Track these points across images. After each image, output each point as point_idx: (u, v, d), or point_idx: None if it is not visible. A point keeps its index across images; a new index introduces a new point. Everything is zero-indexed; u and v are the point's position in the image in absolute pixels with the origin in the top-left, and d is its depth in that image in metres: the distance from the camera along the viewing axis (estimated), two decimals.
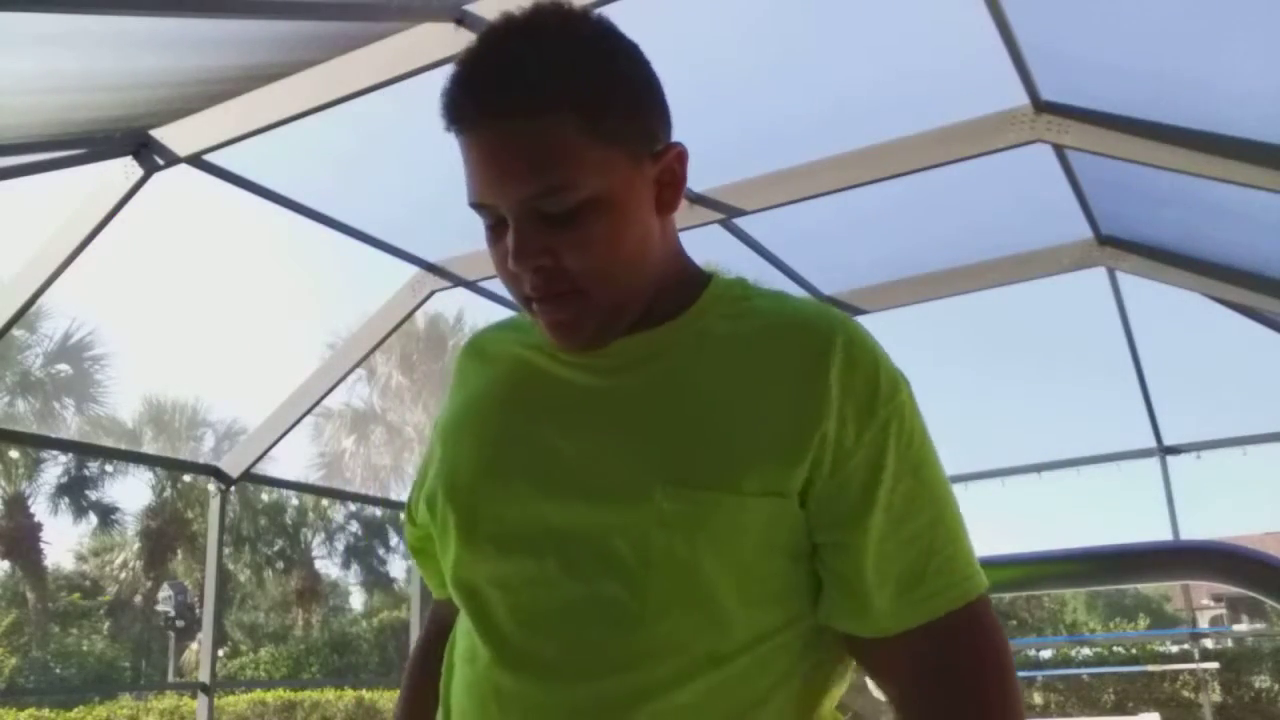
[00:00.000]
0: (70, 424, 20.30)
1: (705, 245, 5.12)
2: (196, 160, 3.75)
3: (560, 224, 0.87)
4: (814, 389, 0.88)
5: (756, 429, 0.87)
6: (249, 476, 5.54)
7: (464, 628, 0.97)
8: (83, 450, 21.31)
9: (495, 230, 0.91)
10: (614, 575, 0.87)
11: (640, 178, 0.91)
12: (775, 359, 0.90)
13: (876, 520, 0.89)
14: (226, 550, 15.04)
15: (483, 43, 0.91)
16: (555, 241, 0.88)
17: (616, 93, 0.90)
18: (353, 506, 24.14)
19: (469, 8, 3.17)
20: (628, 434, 0.90)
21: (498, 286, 4.63)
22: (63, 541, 35.49)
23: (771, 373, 0.90)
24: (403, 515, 1.16)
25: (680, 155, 0.95)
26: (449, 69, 0.93)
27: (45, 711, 12.16)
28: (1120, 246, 5.25)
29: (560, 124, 0.86)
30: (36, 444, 19.63)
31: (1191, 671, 11.38)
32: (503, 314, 1.20)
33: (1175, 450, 7.39)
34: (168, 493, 21.30)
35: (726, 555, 0.86)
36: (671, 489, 0.86)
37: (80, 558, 23.20)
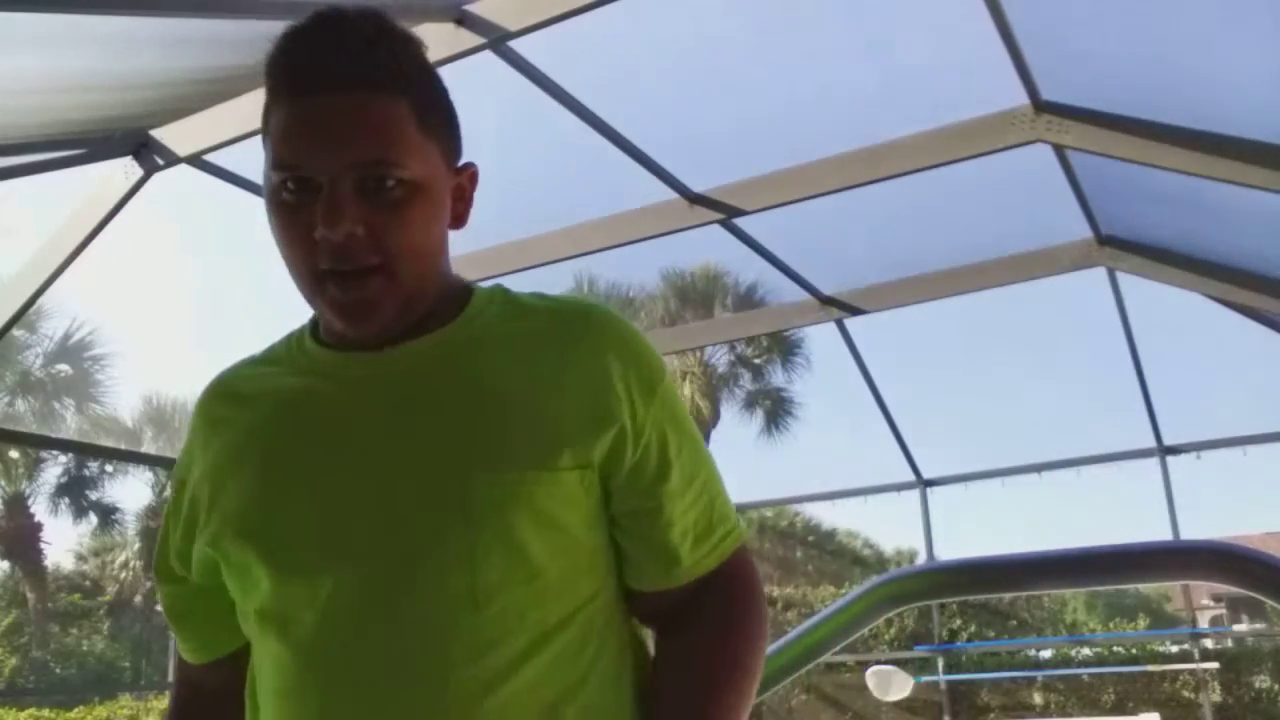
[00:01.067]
0: (70, 424, 20.30)
1: (705, 245, 5.12)
2: (196, 160, 3.75)
3: (378, 200, 0.89)
4: (600, 370, 0.94)
5: (557, 409, 0.92)
6: None
7: (270, 664, 0.93)
8: (83, 450, 21.30)
9: (298, 198, 0.89)
10: (447, 569, 0.88)
11: (447, 182, 0.96)
12: (558, 345, 0.96)
13: (674, 484, 0.98)
14: None
15: (324, 19, 0.91)
16: (371, 215, 0.89)
17: (439, 98, 0.97)
18: None
19: (469, 8, 3.17)
20: (436, 431, 0.91)
21: None
22: (63, 541, 35.48)
23: (558, 358, 0.95)
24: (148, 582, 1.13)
25: (473, 175, 1.01)
26: (282, 41, 0.92)
27: (45, 711, 12.16)
28: (1120, 246, 5.25)
29: (396, 106, 0.90)
30: (36, 444, 19.62)
31: (1191, 671, 11.37)
32: None
33: (1175, 450, 7.39)
34: (168, 493, 21.28)
35: (547, 530, 0.90)
36: (490, 475, 0.89)
37: (80, 558, 23.18)
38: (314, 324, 1.04)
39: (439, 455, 0.90)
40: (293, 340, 1.05)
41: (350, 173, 0.88)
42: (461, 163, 1.00)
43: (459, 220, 1.00)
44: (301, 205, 0.89)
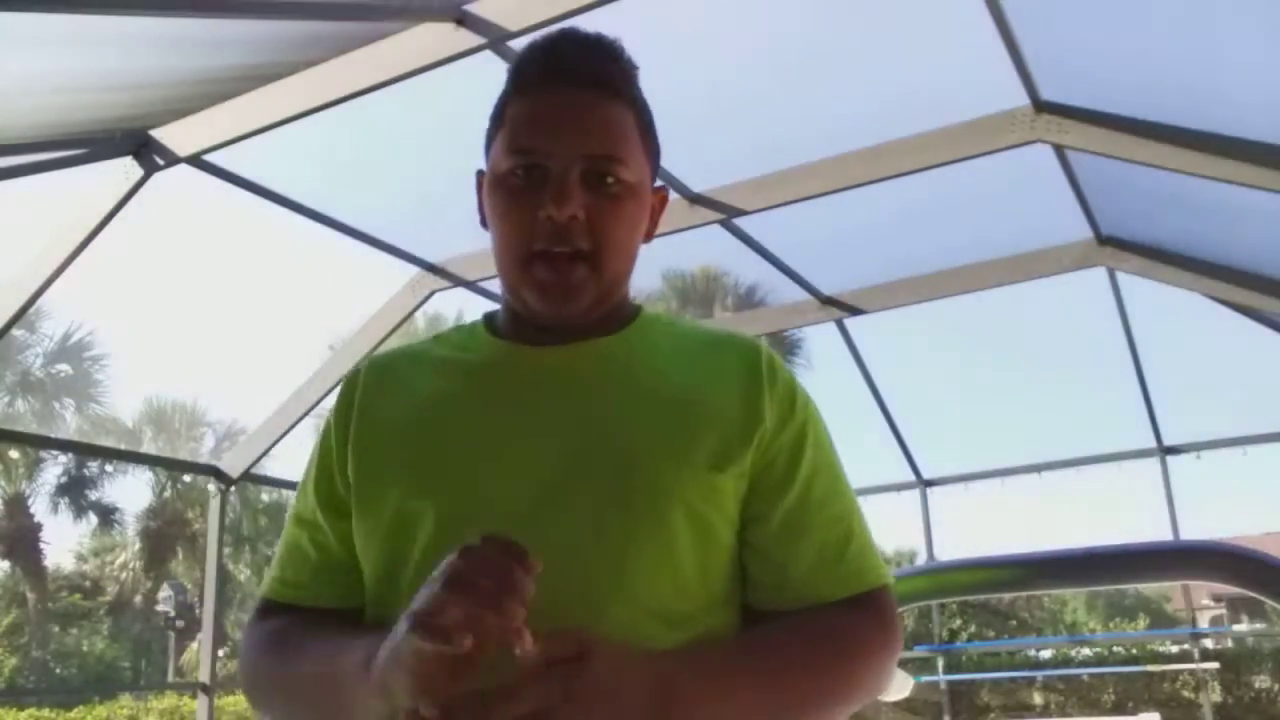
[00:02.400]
0: (70, 424, 20.30)
1: (705, 245, 5.12)
2: (196, 160, 3.75)
3: (600, 193, 0.97)
4: (753, 389, 1.00)
5: (717, 415, 0.97)
6: (249, 477, 5.54)
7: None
8: (83, 450, 21.29)
9: (526, 182, 0.97)
10: (601, 555, 0.91)
11: (649, 195, 1.06)
12: (724, 360, 1.02)
13: (795, 498, 0.98)
14: (226, 550, 15.04)
15: (572, 32, 1.04)
16: (592, 204, 0.97)
17: (652, 123, 1.08)
18: None
19: (469, 8, 3.17)
20: (605, 422, 0.96)
21: (498, 287, 4.62)
22: (63, 541, 35.52)
23: (724, 371, 1.01)
24: (295, 504, 1.10)
25: (665, 199, 1.11)
26: (534, 45, 1.03)
27: (45, 711, 12.16)
28: (1120, 246, 5.25)
29: (628, 113, 1.01)
30: (36, 444, 19.61)
31: (1191, 671, 11.37)
32: None
33: (1175, 450, 7.39)
34: (168, 493, 21.30)
35: (698, 529, 0.94)
36: (652, 469, 0.93)
37: (80, 558, 23.19)
38: (488, 319, 1.10)
39: (607, 446, 0.95)
40: (464, 330, 1.10)
41: (581, 163, 0.96)
42: (655, 186, 1.09)
43: (649, 236, 1.08)
44: (528, 189, 0.97)
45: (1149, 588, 24.15)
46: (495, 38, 3.17)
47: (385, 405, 1.03)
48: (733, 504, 0.97)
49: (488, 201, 1.02)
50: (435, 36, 3.23)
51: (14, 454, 19.40)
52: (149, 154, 3.70)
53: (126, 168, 3.72)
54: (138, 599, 21.58)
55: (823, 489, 1.01)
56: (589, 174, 0.97)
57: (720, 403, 0.98)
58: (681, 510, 0.93)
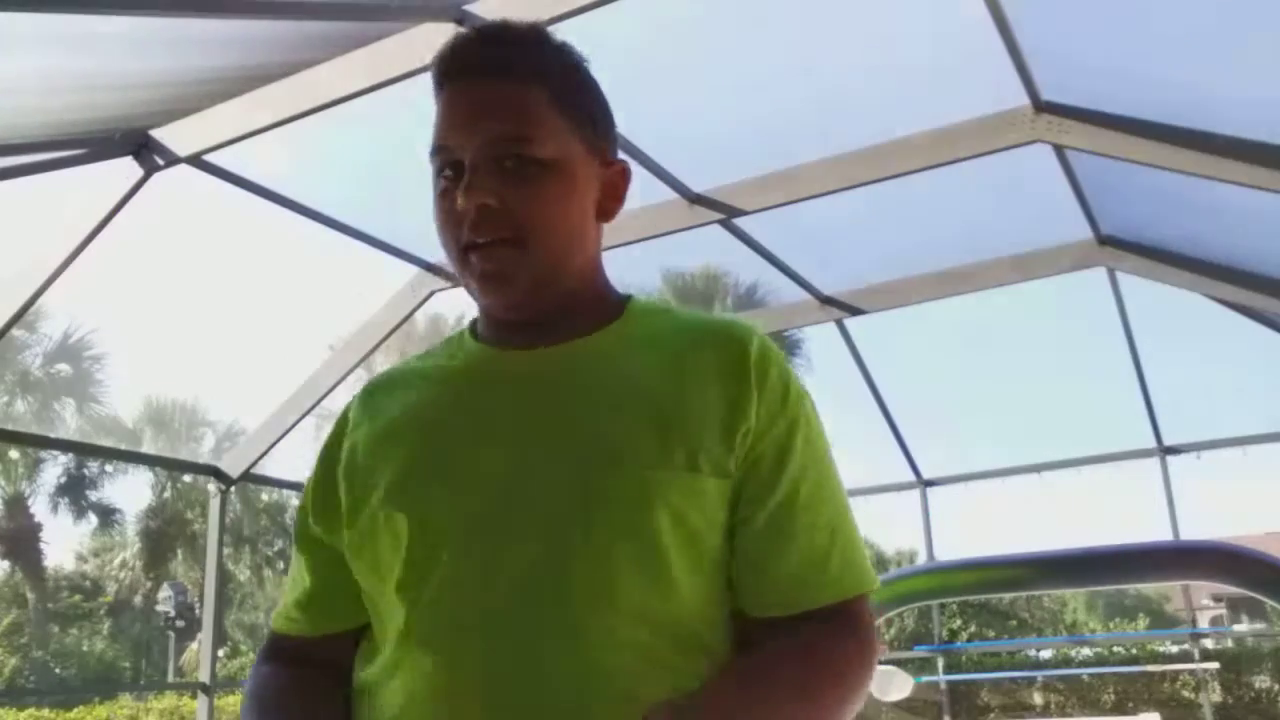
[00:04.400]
0: (70, 424, 20.30)
1: (705, 245, 5.12)
2: (196, 160, 3.75)
3: (516, 177, 0.96)
4: (740, 384, 0.97)
5: (699, 413, 0.95)
6: (249, 477, 5.54)
7: (395, 636, 0.94)
8: (83, 450, 21.30)
9: (449, 180, 0.98)
10: (581, 561, 0.90)
11: (590, 169, 1.02)
12: (706, 358, 0.99)
13: (779, 498, 0.96)
14: (226, 550, 15.03)
15: (482, 27, 1.04)
16: (507, 189, 0.96)
17: (579, 87, 1.04)
18: None
19: (469, 8, 3.17)
20: (576, 427, 0.95)
21: None
22: (63, 541, 35.50)
23: (706, 369, 0.98)
24: (295, 529, 1.11)
25: (624, 172, 1.06)
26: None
27: (45, 711, 12.16)
28: (1120, 246, 5.25)
29: (533, 91, 0.98)
30: (36, 444, 19.61)
31: (1191, 671, 11.38)
32: None
33: (1175, 450, 7.39)
34: (168, 493, 21.30)
35: (680, 531, 0.92)
36: (626, 471, 0.91)
37: (80, 558, 23.20)
38: (473, 325, 1.09)
39: (579, 450, 0.93)
40: (452, 339, 1.10)
41: (487, 149, 0.96)
42: (612, 158, 1.06)
43: (607, 214, 1.05)
44: (452, 188, 0.98)
45: (1149, 588, 24.15)
46: None
47: (372, 424, 1.04)
48: (718, 507, 0.94)
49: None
50: (435, 36, 3.23)
51: (14, 454, 19.40)
52: (149, 154, 3.70)
53: (126, 168, 3.72)
54: (138, 599, 21.59)
55: (811, 490, 0.98)
56: (500, 160, 0.96)
57: (700, 401, 0.95)
58: (664, 511, 0.91)
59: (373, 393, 1.09)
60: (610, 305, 1.06)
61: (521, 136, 0.96)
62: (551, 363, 0.99)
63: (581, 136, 1.01)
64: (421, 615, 0.92)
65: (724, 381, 0.97)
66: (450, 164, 0.98)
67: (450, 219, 0.98)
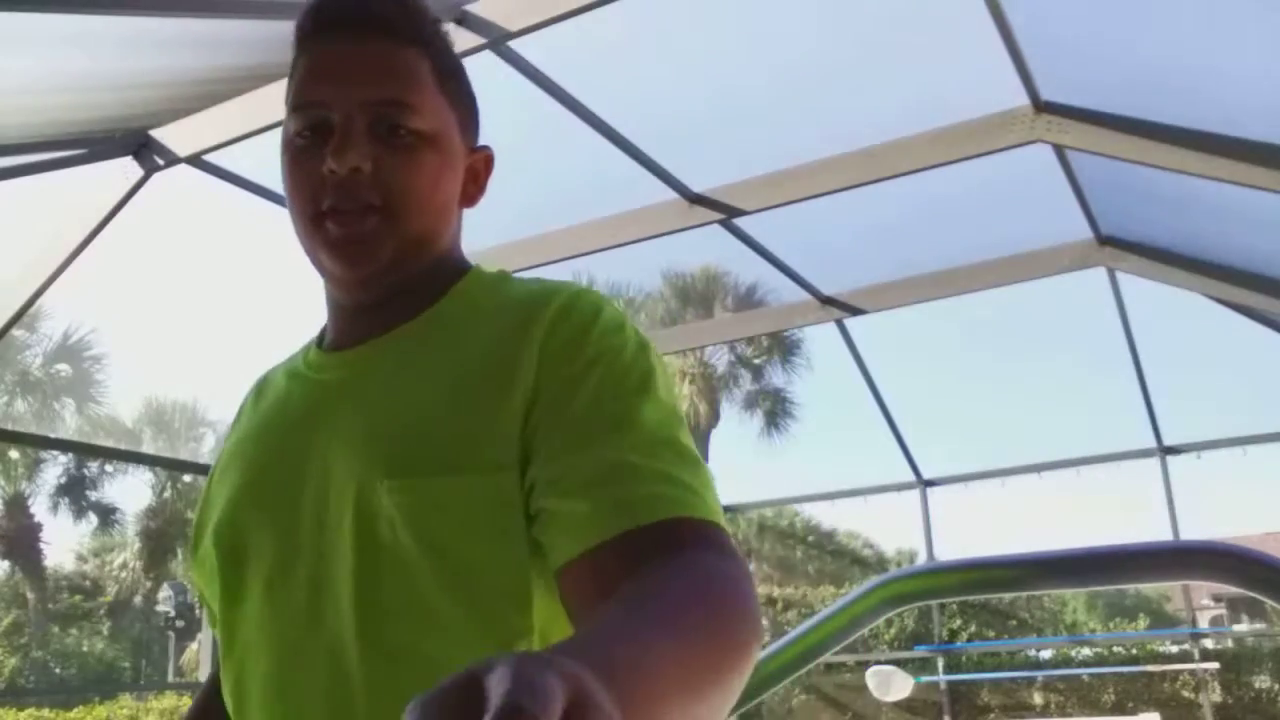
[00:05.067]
0: (70, 424, 20.30)
1: (705, 245, 5.13)
2: (196, 160, 3.75)
3: (389, 142, 0.89)
4: (519, 349, 0.83)
5: (475, 403, 0.81)
6: None
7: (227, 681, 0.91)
8: (83, 450, 21.31)
9: (311, 141, 0.90)
10: (341, 596, 0.81)
11: (460, 149, 0.96)
12: (498, 332, 0.86)
13: (567, 426, 0.78)
14: None
15: None
16: (380, 155, 0.88)
17: (458, 72, 0.98)
18: None
19: (469, 8, 3.17)
20: (354, 436, 0.85)
21: None
22: (63, 542, 35.48)
23: (491, 345, 0.85)
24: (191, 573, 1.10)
25: (489, 159, 1.01)
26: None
27: (45, 711, 12.16)
28: (1120, 246, 5.25)
29: (417, 58, 0.92)
30: (36, 444, 19.61)
31: (1191, 671, 11.37)
32: None
33: (1175, 450, 7.39)
34: (168, 493, 21.30)
35: (446, 552, 0.78)
36: (386, 483, 0.80)
37: (80, 558, 23.20)
38: (322, 333, 1.01)
39: (349, 464, 0.84)
40: (307, 346, 1.03)
41: (365, 111, 0.89)
42: (477, 146, 1.00)
43: (469, 200, 1.00)
44: (313, 147, 0.90)
45: (1149, 588, 24.15)
46: (495, 38, 3.17)
47: (238, 429, 1.01)
48: (506, 513, 0.78)
49: (281, 170, 0.93)
50: None
51: (14, 454, 19.39)
52: (149, 154, 3.70)
53: (126, 168, 3.71)
54: (138, 599, 21.58)
55: (607, 420, 0.78)
56: (376, 124, 0.88)
57: (480, 386, 0.82)
58: (418, 534, 0.78)
59: (247, 400, 1.05)
60: (446, 279, 0.95)
61: (403, 103, 0.89)
62: (359, 364, 0.91)
63: (457, 116, 0.95)
64: (229, 667, 0.90)
65: (505, 352, 0.83)
66: (314, 124, 0.90)
67: (308, 181, 0.90)
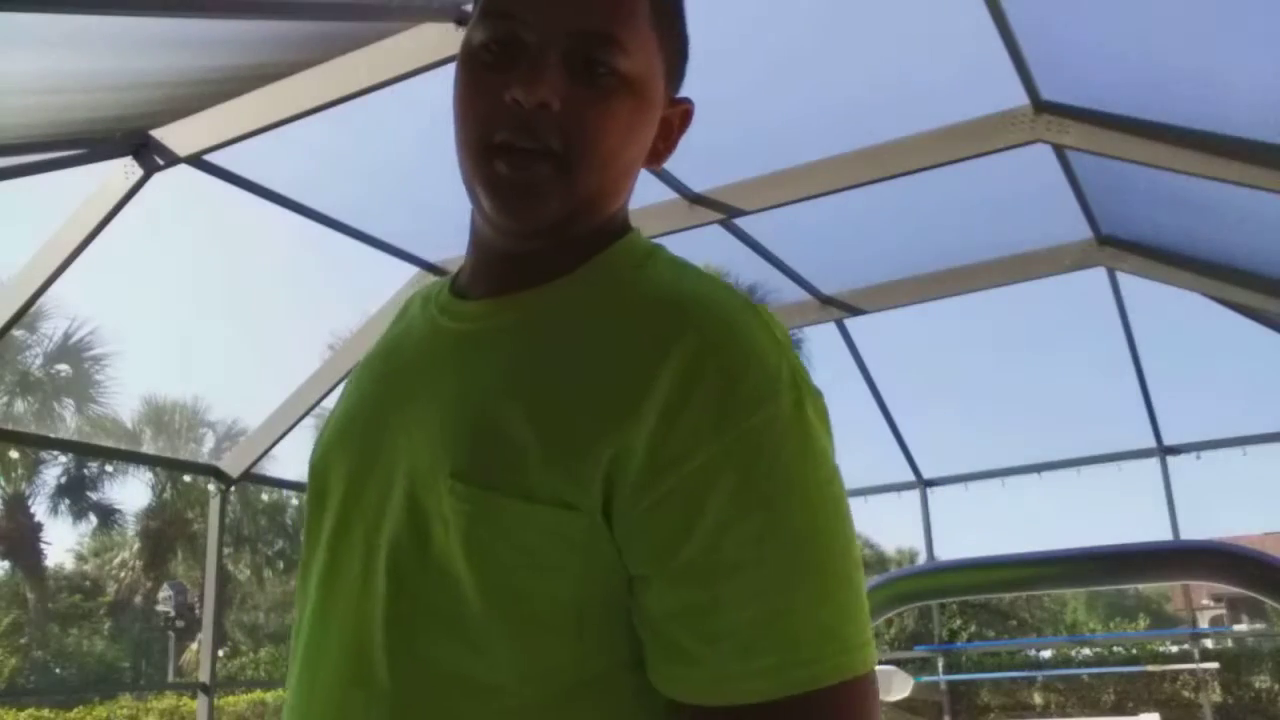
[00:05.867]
0: (70, 424, 20.30)
1: (705, 245, 5.12)
2: (196, 160, 3.76)
3: (587, 81, 0.76)
4: (636, 383, 0.69)
5: (570, 432, 0.69)
6: (249, 477, 5.54)
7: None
8: (83, 450, 21.28)
9: (497, 59, 0.77)
10: (385, 591, 0.75)
11: (661, 99, 0.83)
12: (618, 349, 0.71)
13: (689, 554, 0.67)
14: (226, 550, 15.04)
15: None
16: (572, 94, 0.76)
17: (676, 11, 0.85)
18: None
19: (469, 8, 3.17)
20: (451, 408, 0.76)
21: None
22: (63, 542, 35.54)
23: (604, 358, 0.71)
24: None
25: (688, 112, 0.87)
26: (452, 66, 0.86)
27: (45, 711, 12.15)
28: (1120, 246, 5.26)
29: None
30: (36, 444, 19.61)
31: (1191, 671, 11.37)
32: None
33: (1175, 450, 7.39)
34: (168, 493, 21.29)
35: (494, 572, 0.71)
36: (452, 486, 0.72)
37: (80, 558, 23.21)
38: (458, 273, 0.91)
39: (427, 438, 0.76)
40: (440, 284, 0.92)
41: (565, 40, 0.76)
42: (677, 97, 0.86)
43: (657, 158, 0.86)
44: (498, 67, 0.77)
45: (1149, 588, 24.16)
46: None
47: (380, 340, 0.94)
48: (576, 548, 0.70)
49: (455, 86, 0.80)
50: (435, 36, 3.23)
51: (14, 454, 19.39)
52: (149, 154, 3.70)
53: (126, 168, 3.72)
54: (138, 599, 21.58)
55: (738, 548, 0.66)
56: (574, 56, 0.76)
57: (572, 405, 0.70)
58: (470, 548, 0.71)
59: (407, 304, 0.95)
60: (594, 244, 0.82)
61: (612, 37, 0.76)
62: (473, 324, 0.81)
63: (665, 60, 0.82)
64: (302, 611, 0.85)
65: (620, 377, 0.69)
66: (504, 40, 0.77)
67: (487, 107, 0.76)
